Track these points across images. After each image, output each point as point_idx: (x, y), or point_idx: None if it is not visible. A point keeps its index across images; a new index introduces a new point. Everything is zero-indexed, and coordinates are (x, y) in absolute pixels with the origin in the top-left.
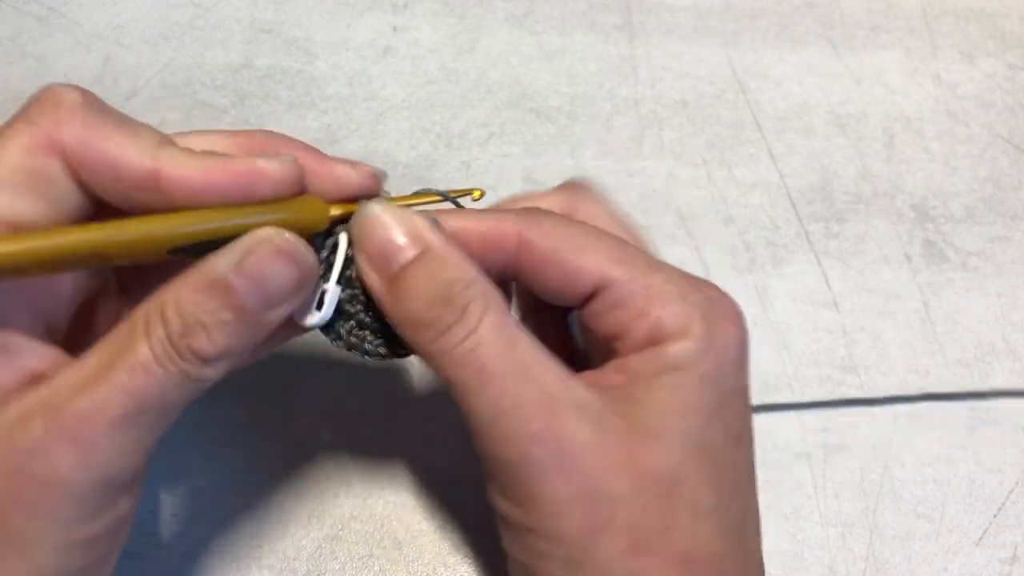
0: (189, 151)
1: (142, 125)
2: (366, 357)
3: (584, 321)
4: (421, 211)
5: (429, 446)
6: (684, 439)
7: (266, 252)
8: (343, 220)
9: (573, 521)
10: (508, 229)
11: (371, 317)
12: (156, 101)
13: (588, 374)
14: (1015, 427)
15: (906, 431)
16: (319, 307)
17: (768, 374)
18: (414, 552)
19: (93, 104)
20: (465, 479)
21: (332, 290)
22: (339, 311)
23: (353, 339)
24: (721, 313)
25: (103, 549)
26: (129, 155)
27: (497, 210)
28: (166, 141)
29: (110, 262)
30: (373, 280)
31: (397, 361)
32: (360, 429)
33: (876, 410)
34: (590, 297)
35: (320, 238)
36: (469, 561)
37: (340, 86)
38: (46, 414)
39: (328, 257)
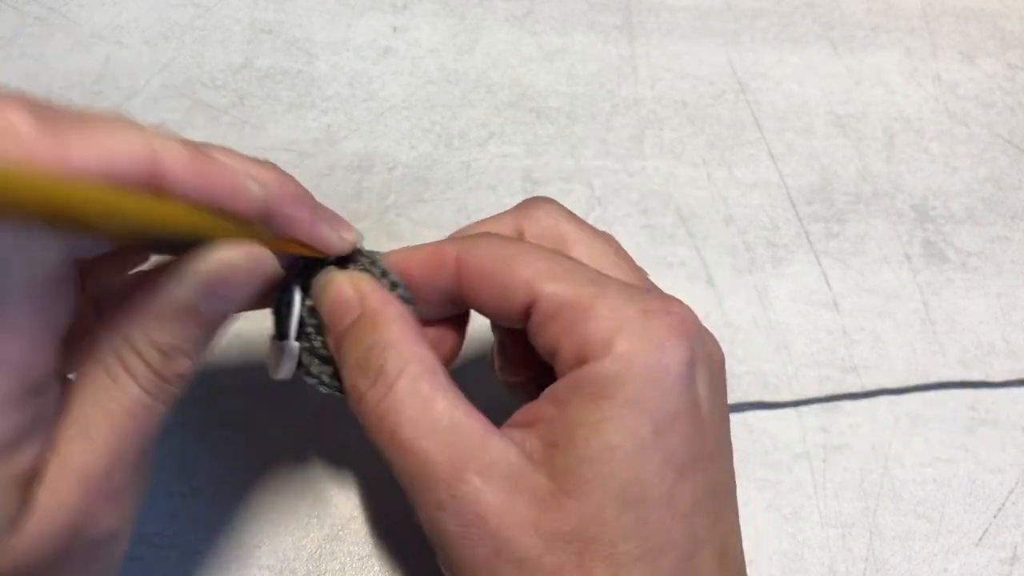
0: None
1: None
2: (322, 389)
3: (531, 341)
4: (375, 261)
5: None
6: (603, 489)
7: (229, 272)
8: (300, 272)
9: None
10: (446, 254)
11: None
12: (156, 101)
13: (526, 409)
14: (1015, 427)
15: (906, 431)
16: (281, 363)
17: (768, 374)
18: (414, 552)
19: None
20: None
21: (288, 349)
22: (308, 349)
23: (314, 370)
24: (662, 325)
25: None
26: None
27: (439, 241)
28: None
29: (90, 223)
30: (330, 339)
31: None
32: (360, 429)
33: (876, 410)
34: (528, 314)
35: (276, 292)
36: None
37: (340, 86)
38: (71, 485)
39: (283, 311)
